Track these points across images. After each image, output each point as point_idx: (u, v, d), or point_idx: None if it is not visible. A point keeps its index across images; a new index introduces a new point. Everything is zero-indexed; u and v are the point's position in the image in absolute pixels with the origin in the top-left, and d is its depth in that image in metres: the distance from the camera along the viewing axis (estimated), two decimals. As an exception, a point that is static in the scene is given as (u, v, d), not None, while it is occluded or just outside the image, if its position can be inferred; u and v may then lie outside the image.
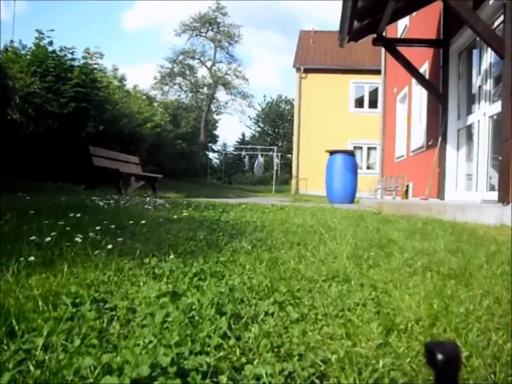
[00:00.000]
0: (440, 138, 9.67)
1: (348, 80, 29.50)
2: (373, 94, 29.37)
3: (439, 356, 0.70)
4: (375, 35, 10.04)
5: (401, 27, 15.30)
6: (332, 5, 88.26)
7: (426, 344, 0.74)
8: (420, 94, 13.01)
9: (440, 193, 9.72)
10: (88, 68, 12.80)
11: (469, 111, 9.29)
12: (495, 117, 7.81)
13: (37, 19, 73.59)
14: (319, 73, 29.82)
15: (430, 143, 10.74)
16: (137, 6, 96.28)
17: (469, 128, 9.12)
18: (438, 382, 0.72)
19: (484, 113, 8.00)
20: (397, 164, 15.34)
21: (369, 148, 28.27)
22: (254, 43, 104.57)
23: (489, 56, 8.02)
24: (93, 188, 9.72)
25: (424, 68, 11.44)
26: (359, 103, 29.87)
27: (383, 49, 18.55)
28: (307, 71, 29.85)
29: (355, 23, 9.46)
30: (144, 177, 11.92)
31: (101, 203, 5.06)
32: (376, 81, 27.82)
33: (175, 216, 4.31)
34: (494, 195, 7.44)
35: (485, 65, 8.12)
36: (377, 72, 26.28)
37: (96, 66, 13.37)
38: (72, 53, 12.66)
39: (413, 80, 13.15)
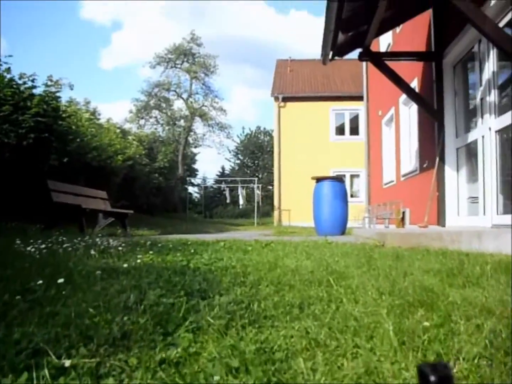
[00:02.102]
0: (437, 159, 8.76)
1: (328, 107, 28.91)
2: (354, 121, 28.87)
3: (432, 378, 0.70)
4: (360, 50, 9.15)
5: (383, 45, 14.55)
6: (308, 34, 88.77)
7: (418, 366, 0.73)
8: (408, 114, 12.18)
9: (440, 219, 8.77)
10: (50, 96, 11.71)
11: (468, 128, 8.42)
12: (503, 131, 6.94)
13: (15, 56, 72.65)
14: (298, 101, 29.24)
15: (425, 165, 9.82)
16: (114, 43, 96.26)
17: (469, 146, 8.23)
18: None
19: (490, 127, 7.09)
20: (386, 190, 14.44)
21: (352, 176, 27.49)
22: (230, 76, 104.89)
23: (491, 65, 7.16)
24: (53, 227, 8.58)
25: (413, 85, 10.60)
26: (340, 130, 29.23)
27: (364, 73, 17.98)
28: (285, 99, 29.21)
29: (340, 37, 8.58)
30: (113, 213, 10.78)
31: (32, 249, 3.98)
32: (356, 107, 27.40)
33: (125, 265, 3.24)
34: (508, 219, 6.51)
35: (487, 75, 7.25)
36: (357, 98, 25.92)
37: (59, 94, 12.26)
38: (32, 81, 11.60)
39: (401, 100, 12.37)
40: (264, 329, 1.75)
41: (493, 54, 7.16)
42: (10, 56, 11.61)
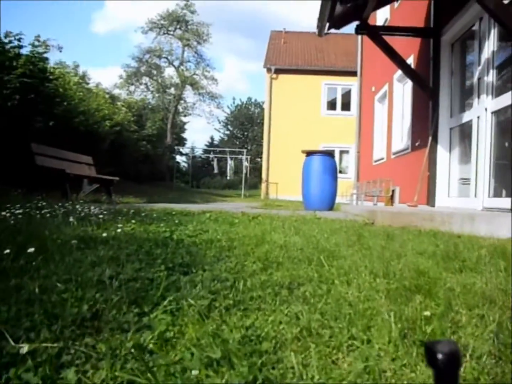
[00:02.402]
0: (430, 138, 8.62)
1: (321, 81, 28.62)
2: (346, 96, 28.64)
3: (439, 355, 0.68)
4: (357, 23, 8.90)
5: (380, 20, 14.25)
6: (304, 6, 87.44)
7: (425, 344, 0.71)
8: (402, 92, 11.99)
9: (430, 199, 8.67)
10: (37, 57, 11.32)
11: (463, 108, 8.27)
12: (500, 112, 6.79)
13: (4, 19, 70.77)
14: (291, 74, 28.86)
15: (417, 144, 9.67)
16: (107, 7, 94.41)
17: (463, 126, 8.09)
18: (438, 382, 0.70)
19: (486, 108, 6.94)
20: (376, 167, 14.31)
21: (341, 152, 27.30)
22: (223, 46, 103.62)
23: (491, 44, 6.97)
24: (35, 191, 8.35)
25: (409, 62, 10.38)
26: (331, 105, 28.98)
27: (359, 48, 17.68)
28: (278, 71, 28.82)
29: (337, 8, 8.33)
30: (98, 179, 10.53)
31: (8, 214, 3.77)
32: (349, 82, 27.14)
33: (104, 234, 3.06)
34: (500, 202, 6.41)
35: (486, 54, 7.06)
36: (351, 73, 25.67)
37: (47, 56, 11.86)
38: (19, 40, 11.19)
39: (395, 77, 12.16)
40: (250, 313, 1.61)
41: (494, 33, 6.98)
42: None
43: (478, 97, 7.30)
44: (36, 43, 11.58)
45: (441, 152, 8.55)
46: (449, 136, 8.52)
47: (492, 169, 6.83)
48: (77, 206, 5.05)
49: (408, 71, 9.07)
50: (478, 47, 7.43)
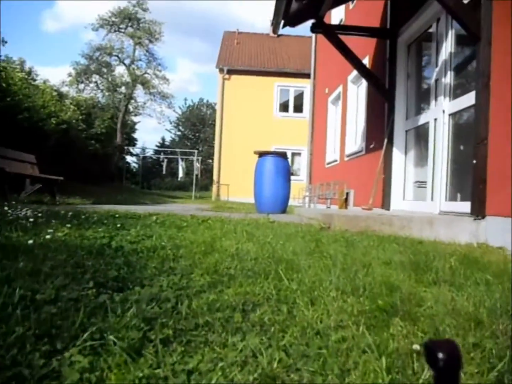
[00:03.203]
0: (385, 141, 8.45)
1: (273, 83, 28.47)
2: (299, 98, 28.56)
3: (440, 355, 0.68)
4: (313, 21, 8.64)
5: (335, 20, 14.09)
6: (258, 7, 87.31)
7: (425, 343, 0.71)
8: (357, 94, 11.86)
9: (385, 202, 8.49)
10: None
11: (419, 110, 8.13)
12: (457, 115, 6.66)
13: None
14: (243, 75, 28.61)
15: (371, 146, 9.51)
16: (58, 5, 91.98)
17: (418, 129, 7.95)
18: (438, 382, 0.69)
19: (443, 110, 6.79)
20: (328, 170, 14.14)
21: (293, 154, 27.14)
22: (177, 48, 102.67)
23: (449, 45, 6.83)
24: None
25: (365, 63, 10.21)
26: (284, 107, 28.86)
27: (313, 48, 17.54)
28: (230, 72, 28.52)
29: (293, 5, 8.05)
30: (41, 179, 9.93)
31: None
32: (302, 84, 27.08)
33: (30, 241, 2.65)
34: (457, 206, 6.26)
35: (444, 56, 6.92)
36: (304, 75, 25.61)
37: None
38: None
39: (349, 78, 12.02)
40: (194, 348, 1.25)
41: (451, 35, 6.84)
42: None
43: (435, 99, 7.15)
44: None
45: (397, 154, 8.40)
46: (405, 138, 8.37)
47: (449, 172, 6.68)
48: (6, 208, 4.55)
49: (364, 71, 8.89)
50: (436, 48, 7.30)
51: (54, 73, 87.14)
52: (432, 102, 7.27)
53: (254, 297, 1.80)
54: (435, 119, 7.05)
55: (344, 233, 4.45)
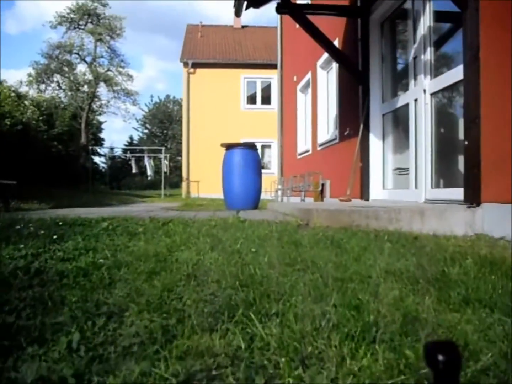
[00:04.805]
0: (361, 126, 7.87)
1: (240, 75, 27.84)
2: (266, 90, 28.03)
3: (440, 357, 0.66)
4: (278, 1, 8.00)
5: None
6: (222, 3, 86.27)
7: (425, 345, 0.70)
8: (327, 79, 11.28)
9: (364, 192, 7.93)
10: None
11: (396, 92, 7.58)
12: (440, 93, 6.11)
13: None
14: (209, 68, 27.92)
15: (346, 133, 8.92)
16: (17, 6, 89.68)
17: (396, 112, 7.39)
18: None
19: (424, 89, 6.22)
20: (301, 161, 13.55)
21: (263, 146, 26.51)
22: (141, 45, 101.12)
23: (427, 19, 6.26)
24: None
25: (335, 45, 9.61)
26: (251, 99, 28.26)
27: (279, 34, 16.93)
28: (195, 65, 27.78)
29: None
30: (-8, 184, 9.12)
31: None
32: (269, 75, 26.51)
33: None
34: (445, 193, 5.71)
35: (422, 31, 6.35)
36: (270, 66, 25.02)
37: None
38: None
39: (318, 64, 11.44)
40: None
41: (429, 8, 6.28)
42: None
43: (415, 78, 6.58)
44: None
45: (374, 141, 7.83)
46: (382, 123, 7.81)
47: (433, 157, 6.12)
48: None
49: (335, 54, 8.29)
50: (412, 25, 6.72)
51: (17, 75, 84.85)
52: (411, 82, 6.70)
53: (212, 361, 1.15)
54: (415, 100, 6.49)
55: (326, 230, 3.83)
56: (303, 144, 13.52)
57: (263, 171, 9.35)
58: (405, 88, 6.99)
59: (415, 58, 6.58)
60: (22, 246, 2.79)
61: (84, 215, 5.30)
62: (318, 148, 11.34)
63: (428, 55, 6.24)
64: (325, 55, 10.59)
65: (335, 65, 10.28)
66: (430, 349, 0.67)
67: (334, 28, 9.59)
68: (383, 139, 7.78)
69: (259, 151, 25.50)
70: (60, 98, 38.40)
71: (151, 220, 4.64)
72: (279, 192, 14.87)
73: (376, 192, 7.78)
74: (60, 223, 4.25)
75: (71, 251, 2.75)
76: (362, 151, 7.91)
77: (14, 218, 4.77)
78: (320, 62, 11.31)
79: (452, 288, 1.80)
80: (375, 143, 7.81)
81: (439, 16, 6.25)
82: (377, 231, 3.92)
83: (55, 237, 3.33)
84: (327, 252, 2.60)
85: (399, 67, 7.72)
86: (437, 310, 1.54)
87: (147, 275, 2.07)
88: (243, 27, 33.29)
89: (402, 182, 7.13)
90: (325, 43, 8.04)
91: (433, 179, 6.10)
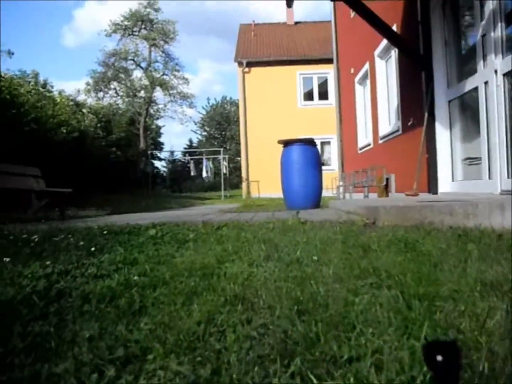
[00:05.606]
0: (425, 115, 7.38)
1: (295, 71, 27.42)
2: (323, 85, 27.47)
3: (439, 357, 0.64)
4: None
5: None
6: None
7: (424, 345, 0.74)
8: (385, 68, 10.77)
9: (431, 185, 7.43)
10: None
11: (461, 76, 7.03)
12: (514, 73, 5.56)
13: None
14: (263, 66, 27.63)
15: (410, 123, 8.41)
16: (76, 20, 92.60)
17: (464, 97, 6.85)
18: None
19: (495, 70, 5.70)
20: (362, 155, 13.06)
21: (322, 143, 25.97)
22: (196, 50, 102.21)
23: (495, -7, 5.73)
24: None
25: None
26: (308, 96, 27.78)
27: (333, 29, 16.46)
28: (250, 65, 27.56)
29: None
30: (49, 193, 9.10)
31: None
32: (325, 70, 26.00)
33: None
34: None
35: (491, 5, 5.81)
36: (326, 61, 24.50)
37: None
38: None
39: (376, 53, 10.93)
40: None
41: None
42: None
43: (484, 58, 6.05)
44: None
45: (440, 130, 7.32)
46: (448, 110, 7.28)
47: (510, 143, 5.58)
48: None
49: (394, 40, 7.82)
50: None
51: (78, 86, 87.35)
52: (480, 63, 6.16)
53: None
54: (485, 82, 5.96)
55: (396, 230, 3.44)
56: (364, 137, 13.04)
57: (323, 167, 8.96)
58: (473, 70, 6.45)
59: (483, 36, 6.04)
60: (48, 262, 2.55)
61: (135, 221, 5.09)
62: (380, 141, 10.85)
63: (498, 32, 5.70)
64: (383, 44, 10.11)
65: (393, 53, 9.78)
66: (429, 350, 0.65)
67: (391, 13, 9.10)
68: (450, 128, 7.25)
69: (318, 148, 25.11)
70: (117, 104, 39.17)
71: (203, 225, 4.36)
72: (341, 189, 14.41)
73: (445, 184, 7.26)
74: (105, 232, 4.02)
75: (106, 266, 2.50)
76: (428, 142, 7.42)
77: (55, 228, 4.57)
78: (377, 51, 10.81)
79: None
80: (441, 132, 7.29)
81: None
82: (453, 228, 3.50)
83: (93, 249, 3.11)
84: (401, 258, 2.23)
85: (466, 47, 7.16)
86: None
87: (186, 297, 1.76)
88: (296, 23, 32.88)
89: (474, 173, 6.60)
90: (383, 29, 7.59)
91: (510, 168, 5.57)
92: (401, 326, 1.32)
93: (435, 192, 7.32)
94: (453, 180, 7.22)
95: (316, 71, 27.35)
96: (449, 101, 7.23)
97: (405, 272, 1.89)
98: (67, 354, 1.23)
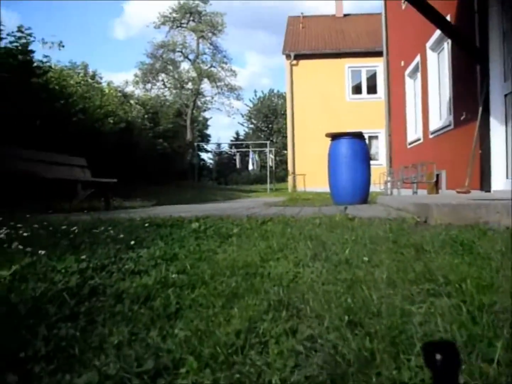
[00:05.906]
0: (480, 109, 7.12)
1: (344, 64, 27.03)
2: (372, 79, 27.00)
3: (438, 356, 0.64)
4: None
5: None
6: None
7: (423, 345, 0.74)
8: (437, 61, 10.46)
9: (484, 182, 7.17)
10: (19, 49, 9.94)
11: (520, 68, 6.75)
12: None
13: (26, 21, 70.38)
14: (311, 59, 27.34)
15: (462, 118, 8.14)
16: (126, 13, 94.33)
17: (521, 91, 6.58)
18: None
19: (557, 62, 5.44)
20: (411, 150, 12.77)
21: (370, 137, 25.54)
22: (243, 43, 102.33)
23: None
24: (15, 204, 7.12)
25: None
26: (356, 89, 27.36)
27: (383, 20, 16.13)
28: (298, 57, 27.32)
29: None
30: (94, 183, 9.20)
31: None
32: (374, 63, 25.56)
33: None
34: None
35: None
36: (375, 54, 24.08)
37: (32, 48, 10.46)
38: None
39: (428, 45, 10.63)
40: None
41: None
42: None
43: (545, 50, 5.79)
44: (19, 34, 10.16)
45: (495, 124, 7.05)
46: (504, 104, 7.00)
47: None
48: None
49: (448, 30, 7.57)
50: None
51: (126, 78, 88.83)
52: (541, 54, 5.90)
53: None
54: (547, 75, 5.70)
55: (449, 229, 3.29)
56: (413, 132, 12.74)
57: (371, 162, 8.77)
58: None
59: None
60: (84, 256, 2.52)
61: (178, 214, 5.07)
62: (430, 136, 10.56)
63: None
64: (435, 35, 9.81)
65: (446, 45, 9.48)
66: (428, 349, 0.65)
67: (445, 3, 8.81)
68: (506, 122, 6.97)
69: (367, 141, 24.72)
70: (165, 96, 39.51)
71: (248, 219, 4.29)
72: (388, 184, 14.14)
73: (499, 182, 6.99)
74: (147, 224, 3.99)
75: (145, 261, 2.44)
76: (482, 137, 7.16)
77: (97, 219, 4.57)
78: (429, 43, 10.51)
79: None
80: (496, 127, 7.02)
81: None
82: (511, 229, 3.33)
83: (133, 242, 3.06)
84: (458, 261, 2.10)
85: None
86: None
87: (226, 300, 1.68)
88: (345, 15, 32.42)
89: (531, 170, 6.33)
90: (437, 20, 7.35)
91: None
92: (468, 343, 1.19)
93: (488, 190, 7.07)
94: (507, 178, 6.95)
95: (364, 64, 26.89)
96: (506, 95, 6.96)
97: (465, 277, 1.76)
98: (92, 362, 1.18)
